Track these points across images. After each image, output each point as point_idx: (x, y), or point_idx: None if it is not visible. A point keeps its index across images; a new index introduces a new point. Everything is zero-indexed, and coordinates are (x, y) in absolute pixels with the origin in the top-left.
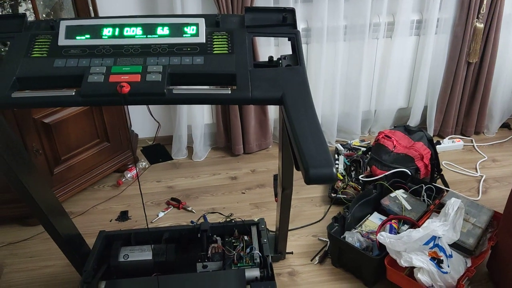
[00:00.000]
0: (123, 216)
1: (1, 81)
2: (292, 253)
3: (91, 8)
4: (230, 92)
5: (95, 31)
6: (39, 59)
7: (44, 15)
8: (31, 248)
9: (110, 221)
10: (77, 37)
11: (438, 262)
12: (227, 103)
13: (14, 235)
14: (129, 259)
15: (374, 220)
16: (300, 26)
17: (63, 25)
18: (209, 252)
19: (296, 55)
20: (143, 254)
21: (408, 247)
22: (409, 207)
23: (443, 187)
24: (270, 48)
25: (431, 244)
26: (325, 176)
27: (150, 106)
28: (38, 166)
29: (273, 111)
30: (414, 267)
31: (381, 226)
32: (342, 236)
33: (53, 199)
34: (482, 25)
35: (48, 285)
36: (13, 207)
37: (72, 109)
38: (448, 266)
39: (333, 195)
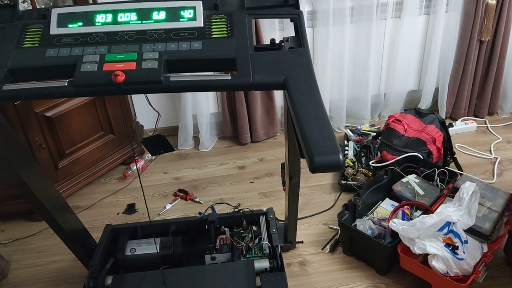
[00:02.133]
0: (130, 209)
1: None
2: (302, 242)
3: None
4: (230, 78)
5: (88, 18)
6: (31, 50)
7: (43, 6)
8: (38, 243)
9: (117, 214)
10: (69, 25)
11: (453, 248)
12: (227, 90)
13: (21, 230)
14: (136, 252)
15: (386, 206)
16: (305, 8)
17: (54, 13)
18: (217, 243)
19: (299, 37)
20: (150, 247)
21: (421, 233)
22: (421, 192)
23: (456, 170)
24: (274, 33)
25: (445, 230)
26: (331, 163)
27: (149, 95)
28: (42, 160)
29: (279, 97)
30: (428, 254)
31: (393, 213)
32: (353, 224)
33: (56, 194)
34: (494, 2)
35: (55, 281)
36: (19, 203)
37: (75, 102)
38: (464, 252)
39: (343, 182)
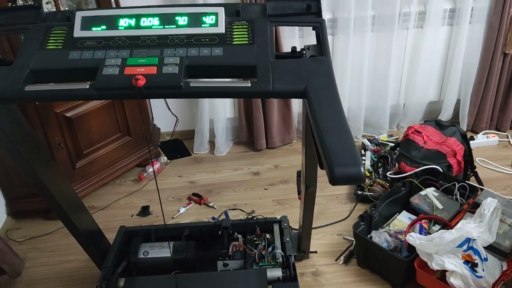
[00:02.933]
0: (144, 211)
1: (15, 73)
2: (316, 252)
3: (113, 1)
4: (250, 85)
5: (111, 22)
6: (54, 51)
7: (67, 8)
8: (53, 242)
9: (131, 216)
10: (93, 29)
11: (472, 265)
12: (247, 97)
13: (37, 229)
14: (149, 256)
15: (403, 219)
16: (326, 16)
17: (78, 16)
18: (230, 250)
19: (321, 45)
20: (162, 251)
21: (440, 249)
22: (440, 206)
23: (477, 185)
24: (294, 40)
25: (465, 247)
26: (352, 175)
27: (168, 99)
28: (60, 160)
29: (297, 104)
30: (446, 271)
31: (411, 226)
32: (368, 236)
33: (72, 194)
34: None
35: (68, 280)
36: (36, 201)
37: (94, 103)
38: (483, 270)
39: (359, 192)
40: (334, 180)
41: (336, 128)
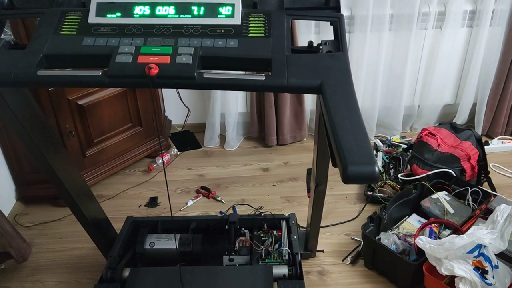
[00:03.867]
0: (152, 202)
1: (28, 58)
2: (323, 251)
3: None
4: (264, 79)
5: (127, 9)
6: (68, 37)
7: None
8: (60, 229)
9: (139, 206)
10: (108, 15)
11: (482, 272)
12: (260, 90)
13: (45, 215)
14: (155, 247)
15: (413, 222)
16: (343, 13)
17: (94, 2)
18: (237, 245)
19: (339, 41)
20: (169, 243)
21: (450, 254)
22: (452, 211)
23: (490, 191)
24: (310, 36)
25: (475, 253)
26: (366, 174)
27: (180, 90)
28: (71, 148)
29: (309, 101)
30: (455, 276)
31: (420, 229)
32: (377, 237)
33: (81, 182)
34: None
35: (74, 268)
36: (45, 187)
37: (106, 92)
38: (493, 278)
39: (369, 193)
40: (347, 179)
41: (351, 125)
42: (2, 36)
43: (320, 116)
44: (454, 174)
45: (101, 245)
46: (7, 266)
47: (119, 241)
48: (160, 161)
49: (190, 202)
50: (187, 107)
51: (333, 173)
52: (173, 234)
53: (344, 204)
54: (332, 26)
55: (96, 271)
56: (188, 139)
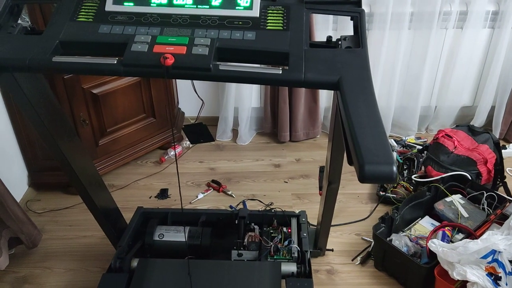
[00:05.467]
0: (163, 194)
1: (44, 44)
2: (332, 250)
3: None
4: (281, 73)
5: None
6: (84, 24)
7: None
8: (71, 216)
9: (150, 197)
10: (125, 3)
11: (495, 278)
12: (276, 84)
13: (56, 202)
14: (164, 239)
15: (425, 224)
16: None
17: None
18: (246, 240)
19: (359, 36)
20: (178, 235)
21: (462, 258)
22: (466, 215)
23: (506, 196)
24: (327, 32)
25: (489, 259)
26: (384, 174)
27: (195, 82)
28: (84, 136)
29: (324, 98)
30: (467, 281)
31: (433, 232)
32: (388, 238)
33: (93, 170)
34: None
35: (83, 256)
36: (57, 175)
37: (121, 82)
38: (506, 284)
39: (381, 193)
40: (364, 178)
41: (369, 123)
42: (19, 21)
43: (336, 113)
44: (470, 178)
45: (111, 235)
46: (18, 251)
47: (128, 231)
48: (172, 153)
49: (201, 195)
50: (201, 99)
51: (346, 172)
52: (182, 227)
53: (356, 204)
54: (352, 22)
55: (104, 260)
56: (201, 131)
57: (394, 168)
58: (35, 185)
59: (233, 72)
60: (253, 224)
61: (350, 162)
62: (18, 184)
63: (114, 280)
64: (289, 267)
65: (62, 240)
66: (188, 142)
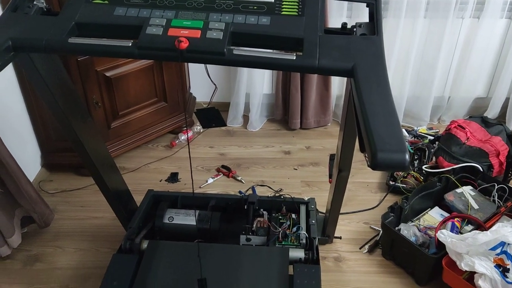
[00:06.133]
0: (173, 177)
1: (60, 25)
2: (340, 238)
3: None
4: (294, 58)
5: None
6: (100, 6)
7: None
8: (83, 197)
9: (160, 181)
10: None
11: (503, 270)
12: (290, 70)
13: (69, 183)
14: (174, 221)
15: (434, 215)
16: None
17: None
18: (254, 225)
19: (374, 24)
20: (187, 218)
21: (471, 250)
22: (476, 206)
23: None
24: (342, 19)
25: (498, 250)
26: (396, 162)
27: (208, 66)
28: (96, 118)
29: (336, 86)
30: (474, 273)
31: (442, 223)
32: (397, 228)
33: (105, 152)
34: None
35: (94, 236)
36: (70, 156)
37: (134, 65)
38: None
39: (391, 183)
40: (376, 165)
41: (383, 111)
42: (35, 2)
43: (349, 100)
44: (481, 169)
45: (121, 216)
46: (30, 230)
47: (139, 214)
48: (183, 137)
49: (210, 180)
50: (214, 84)
51: (356, 160)
52: (192, 210)
53: (365, 193)
54: (367, 8)
55: (115, 241)
56: (213, 116)
57: (407, 156)
58: (48, 165)
59: (247, 57)
60: (262, 209)
61: (362, 149)
62: (31, 165)
63: (124, 261)
64: (297, 253)
65: (74, 221)
66: (199, 127)
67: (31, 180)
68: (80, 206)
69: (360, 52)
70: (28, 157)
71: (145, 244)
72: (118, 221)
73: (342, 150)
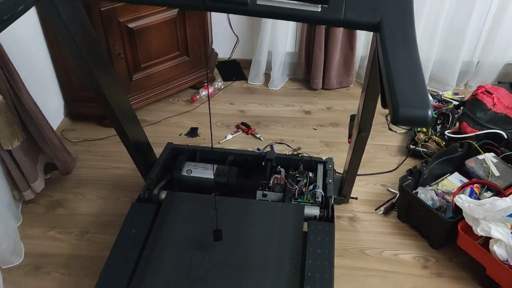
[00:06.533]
0: (193, 132)
1: None
2: (356, 198)
3: None
4: (319, 10)
5: None
6: None
7: None
8: (104, 147)
9: (180, 135)
10: None
11: None
12: (314, 23)
13: (91, 133)
14: (192, 174)
15: (454, 180)
16: None
17: None
18: (271, 182)
19: None
20: (205, 172)
21: (488, 215)
22: (497, 174)
23: None
24: None
25: None
26: (418, 117)
27: (232, 22)
28: (119, 70)
29: (361, 46)
30: (490, 238)
31: (461, 188)
32: (414, 191)
33: (127, 104)
34: None
35: (114, 185)
36: (92, 106)
37: (157, 17)
38: None
39: (411, 146)
40: (397, 120)
41: (408, 67)
42: None
43: (373, 58)
44: (506, 137)
45: (141, 167)
46: (53, 176)
47: (158, 165)
48: (204, 93)
49: (229, 136)
50: (236, 36)
51: (376, 123)
52: (210, 164)
53: (384, 155)
54: None
55: (134, 191)
56: (234, 69)
57: (430, 112)
58: (71, 115)
59: (271, 7)
60: (279, 167)
61: (384, 105)
62: (55, 113)
63: (142, 210)
64: (313, 211)
65: (95, 169)
66: (220, 83)
67: (54, 129)
68: (101, 155)
69: (388, 7)
70: (52, 106)
71: (163, 195)
72: (137, 172)
73: (363, 111)
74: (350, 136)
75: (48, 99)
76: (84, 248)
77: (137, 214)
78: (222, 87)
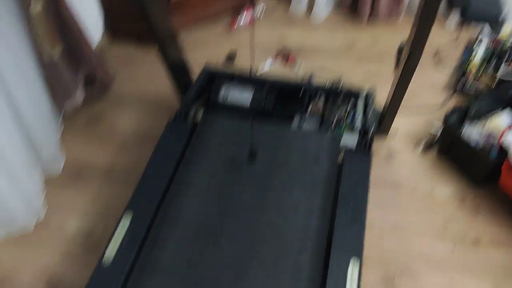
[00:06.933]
0: (231, 57)
1: None
2: (396, 134)
3: None
4: None
5: None
6: None
7: None
8: (142, 67)
9: (217, 59)
10: None
11: None
12: None
13: (129, 52)
14: (229, 98)
15: (501, 121)
16: None
17: None
18: (309, 110)
19: None
20: (242, 96)
21: None
22: None
23: None
24: None
25: None
26: (488, 13)
27: None
28: None
29: None
30: None
31: (509, 128)
32: (459, 130)
33: (167, 22)
34: None
35: (151, 104)
36: (131, 25)
37: None
38: None
39: (460, 84)
40: (467, 14)
41: None
42: None
43: None
44: None
45: (178, 88)
46: (93, 91)
47: (195, 86)
48: (245, 17)
49: (268, 64)
50: None
51: (423, 59)
52: (247, 89)
53: (429, 92)
54: None
55: (171, 111)
56: None
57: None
58: (110, 33)
59: None
60: (318, 96)
61: (450, 4)
62: (94, 31)
63: (178, 128)
64: (350, 141)
65: (132, 88)
66: (261, 9)
67: (94, 46)
68: (139, 74)
69: None
70: (91, 24)
71: (200, 114)
72: (175, 94)
73: (416, 33)
74: (397, 63)
75: (88, 16)
76: (121, 161)
77: (173, 131)
78: (263, 13)
